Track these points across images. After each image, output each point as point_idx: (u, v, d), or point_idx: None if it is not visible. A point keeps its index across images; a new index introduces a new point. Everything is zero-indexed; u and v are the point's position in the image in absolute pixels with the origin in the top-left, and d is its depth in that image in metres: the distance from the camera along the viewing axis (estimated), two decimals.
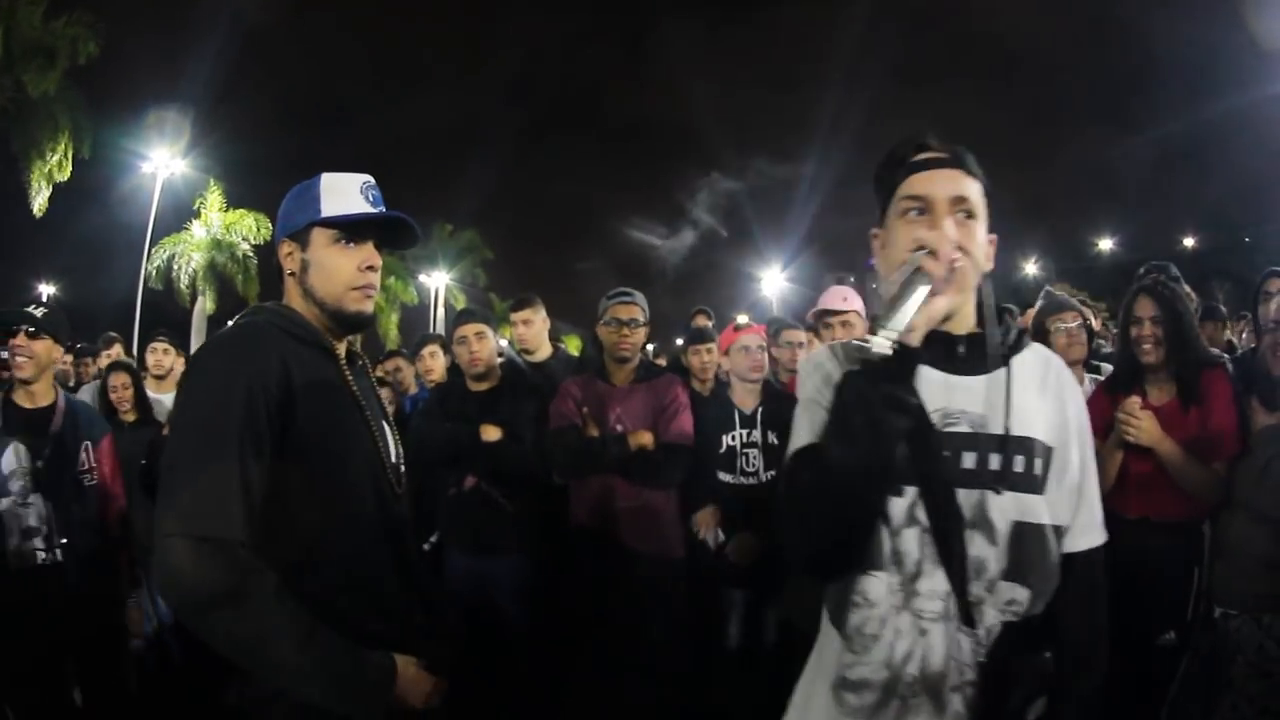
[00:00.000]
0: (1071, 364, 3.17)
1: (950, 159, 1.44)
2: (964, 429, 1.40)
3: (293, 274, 1.78)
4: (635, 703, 3.37)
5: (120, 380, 4.58)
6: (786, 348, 4.27)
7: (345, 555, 1.64)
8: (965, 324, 1.46)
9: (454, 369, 4.22)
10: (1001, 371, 1.43)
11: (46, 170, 19.73)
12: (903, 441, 1.34)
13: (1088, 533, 1.48)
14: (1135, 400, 2.78)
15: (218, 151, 24.59)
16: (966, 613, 1.36)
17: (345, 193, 1.77)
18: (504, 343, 5.23)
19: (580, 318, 3.75)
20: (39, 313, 3.13)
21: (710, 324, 5.31)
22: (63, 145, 19.78)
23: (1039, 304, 3.90)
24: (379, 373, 5.02)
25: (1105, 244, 52.89)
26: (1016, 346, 1.48)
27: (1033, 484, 1.40)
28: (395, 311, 32.40)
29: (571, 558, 3.51)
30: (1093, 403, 2.84)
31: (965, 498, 1.38)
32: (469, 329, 3.65)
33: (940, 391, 1.42)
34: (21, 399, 3.14)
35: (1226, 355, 3.35)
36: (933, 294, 1.30)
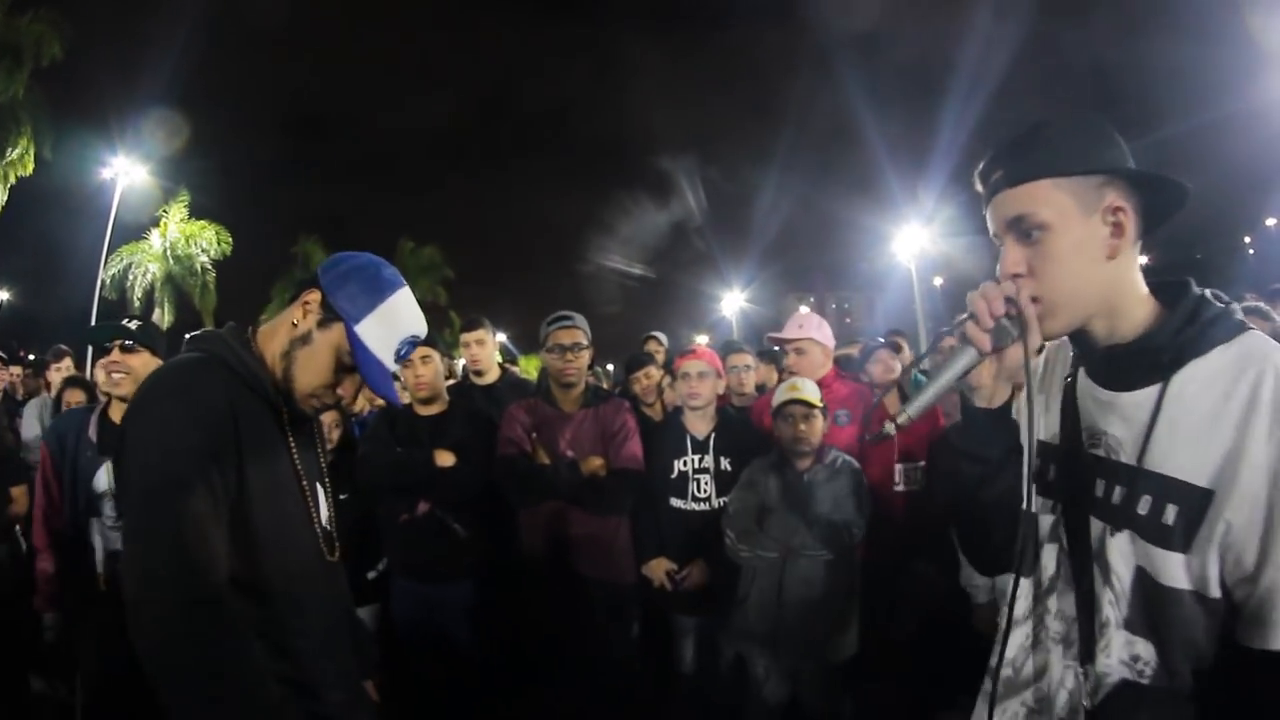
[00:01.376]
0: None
1: (1001, 176, 1.28)
2: (1099, 452, 1.27)
3: (295, 325, 1.67)
4: None
5: (75, 398, 4.48)
6: (733, 372, 4.30)
7: (272, 617, 1.55)
8: (1110, 329, 1.26)
9: None
10: (1154, 389, 1.20)
11: (3, 172, 19.36)
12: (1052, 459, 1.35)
13: (1274, 626, 1.08)
14: None
15: (181, 159, 24.29)
16: (1086, 647, 1.23)
17: (394, 327, 1.70)
18: (461, 363, 5.20)
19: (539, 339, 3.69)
20: (133, 325, 3.00)
21: (663, 348, 5.33)
22: (23, 145, 19.43)
23: None
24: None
25: None
26: (1190, 353, 1.19)
27: (1162, 535, 1.15)
28: None
29: (524, 584, 3.46)
30: None
31: (1095, 527, 1.25)
32: (415, 352, 3.53)
33: (1093, 408, 1.30)
34: (117, 415, 3.02)
35: None
36: (984, 356, 1.27)
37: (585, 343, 3.48)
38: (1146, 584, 1.17)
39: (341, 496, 3.86)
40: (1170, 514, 1.14)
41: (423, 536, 3.46)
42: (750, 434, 3.64)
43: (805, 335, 3.70)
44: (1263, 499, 1.08)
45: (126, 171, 23.07)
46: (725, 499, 3.44)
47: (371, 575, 3.88)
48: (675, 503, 3.53)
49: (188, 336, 1.72)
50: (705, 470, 3.52)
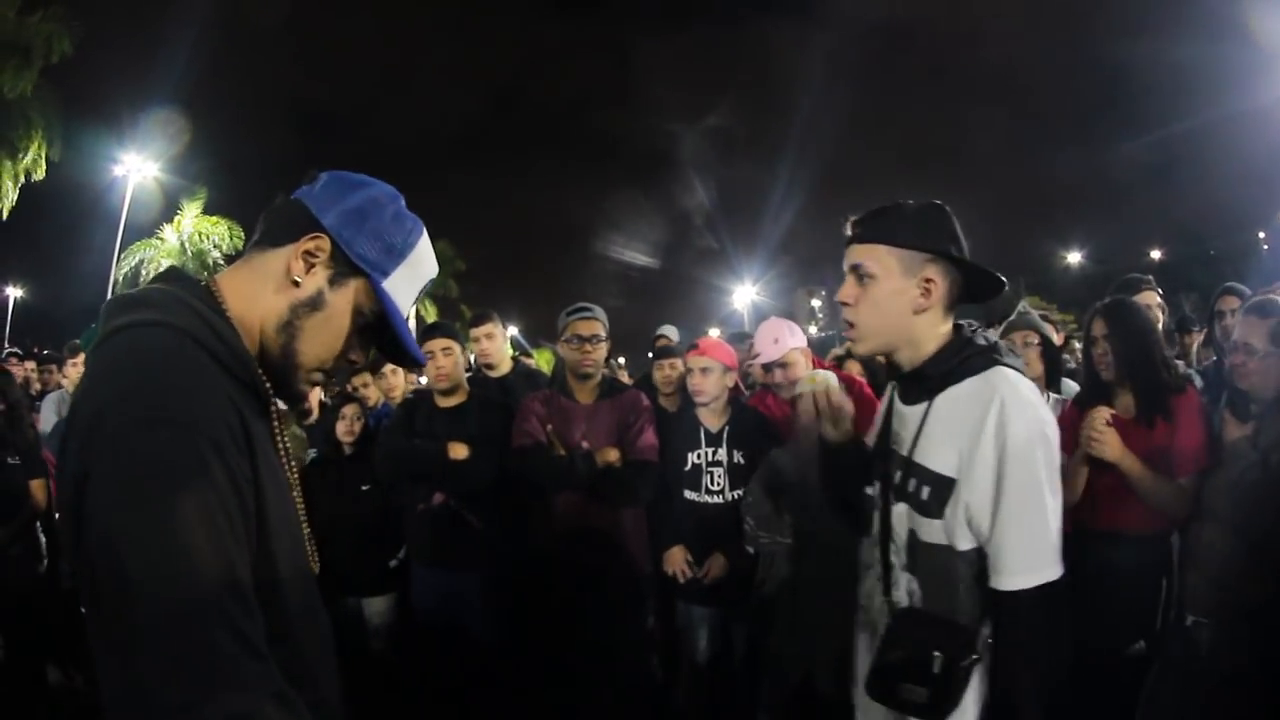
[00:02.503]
0: None
1: (858, 233, 1.78)
2: (895, 448, 1.83)
3: (297, 284, 1.23)
4: (605, 718, 3.36)
5: None
6: (752, 364, 4.30)
7: (291, 644, 1.18)
8: (910, 360, 1.78)
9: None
10: (924, 404, 1.75)
11: (15, 171, 19.44)
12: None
13: (1009, 575, 1.61)
14: (1102, 413, 2.78)
15: (194, 156, 24.34)
16: (886, 585, 1.81)
17: (418, 274, 1.35)
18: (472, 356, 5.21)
19: (554, 332, 3.70)
20: None
21: (675, 342, 5.35)
22: (35, 145, 19.49)
23: (1010, 320, 3.92)
24: (369, 392, 5.04)
25: (1074, 257, 53.51)
26: (948, 380, 1.72)
27: (924, 508, 1.71)
28: None
29: (539, 574, 3.48)
30: (1063, 419, 2.95)
31: (889, 501, 1.81)
32: (436, 344, 3.59)
33: (895, 416, 1.86)
34: None
35: (1193, 370, 3.38)
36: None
37: (603, 334, 3.50)
38: (916, 540, 1.74)
39: (364, 488, 3.94)
40: (925, 492, 1.70)
41: (441, 526, 3.51)
42: (764, 427, 3.63)
43: (787, 348, 3.68)
44: (989, 486, 1.61)
45: (138, 169, 23.15)
46: (739, 492, 3.46)
47: (393, 564, 3.92)
48: (689, 495, 3.54)
49: (116, 301, 1.20)
50: (719, 463, 3.53)
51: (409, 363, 1.42)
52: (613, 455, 3.35)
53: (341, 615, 3.80)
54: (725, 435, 3.56)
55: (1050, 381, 3.41)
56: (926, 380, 1.74)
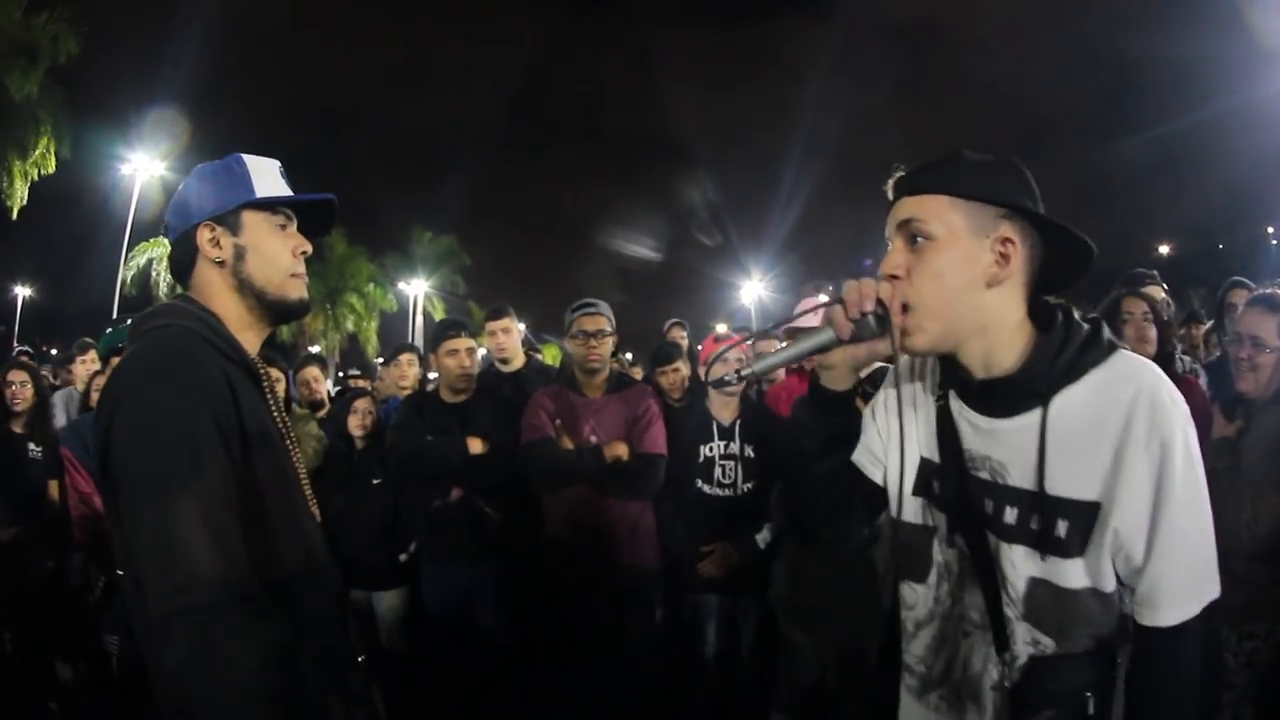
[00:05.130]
0: None
1: (906, 186, 1.34)
2: (984, 475, 1.34)
3: (220, 263, 1.56)
4: (613, 712, 3.37)
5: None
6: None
7: (293, 598, 1.44)
8: (985, 354, 1.32)
9: None
10: (1033, 415, 1.27)
11: (24, 170, 19.47)
12: (937, 476, 1.41)
13: (1168, 608, 1.24)
14: None
15: (202, 154, 24.28)
16: (1000, 638, 1.32)
17: (270, 175, 1.63)
18: (482, 351, 5.22)
19: (560, 328, 3.73)
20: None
21: (685, 337, 5.33)
22: (43, 144, 19.52)
23: None
24: (365, 384, 5.05)
25: None
26: (1066, 378, 1.27)
27: (1056, 546, 1.26)
28: (374, 319, 32.26)
29: (549, 567, 3.49)
30: None
31: (989, 539, 1.33)
32: (461, 343, 3.67)
33: (971, 433, 1.36)
34: None
35: (1197, 364, 3.38)
36: (841, 343, 1.34)
37: (609, 329, 3.52)
38: (1045, 589, 1.28)
39: (374, 482, 3.95)
40: (1062, 528, 1.25)
41: (452, 521, 3.54)
42: (774, 421, 3.63)
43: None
44: (1145, 504, 1.21)
45: (145, 168, 23.17)
46: (750, 485, 3.47)
47: (403, 558, 3.93)
48: (700, 486, 3.55)
49: (137, 317, 1.61)
50: (731, 456, 3.53)
51: (327, 206, 1.69)
52: (620, 449, 3.37)
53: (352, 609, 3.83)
54: (737, 429, 3.56)
55: None
56: (1032, 383, 1.28)
